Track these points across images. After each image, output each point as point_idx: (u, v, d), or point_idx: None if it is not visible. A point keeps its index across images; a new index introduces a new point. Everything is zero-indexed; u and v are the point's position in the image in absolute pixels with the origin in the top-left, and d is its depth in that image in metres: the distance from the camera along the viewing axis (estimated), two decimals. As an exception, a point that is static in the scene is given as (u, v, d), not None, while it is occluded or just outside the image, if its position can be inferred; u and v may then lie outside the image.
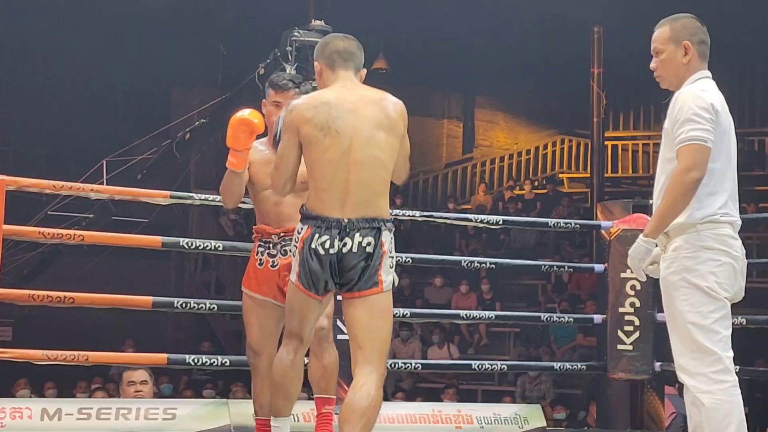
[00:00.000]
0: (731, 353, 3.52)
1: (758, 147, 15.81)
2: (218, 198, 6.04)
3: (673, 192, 3.51)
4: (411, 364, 6.47)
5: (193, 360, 5.64)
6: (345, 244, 3.45)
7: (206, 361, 5.60)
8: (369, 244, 3.44)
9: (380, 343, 3.51)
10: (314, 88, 7.83)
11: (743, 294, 3.68)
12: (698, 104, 3.53)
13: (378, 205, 3.50)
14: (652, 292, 5.74)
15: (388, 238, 3.48)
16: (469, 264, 6.43)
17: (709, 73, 3.73)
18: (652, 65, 3.75)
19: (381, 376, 3.49)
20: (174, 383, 11.11)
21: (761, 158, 15.67)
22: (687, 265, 3.53)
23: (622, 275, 6.49)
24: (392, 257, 3.49)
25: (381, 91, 3.66)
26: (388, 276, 3.48)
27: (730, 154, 3.67)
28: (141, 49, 13.25)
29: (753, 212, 12.80)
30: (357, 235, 3.45)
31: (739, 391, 3.51)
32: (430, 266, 12.50)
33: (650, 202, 6.56)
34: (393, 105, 3.61)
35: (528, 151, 17.75)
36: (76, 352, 5.29)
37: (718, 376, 3.47)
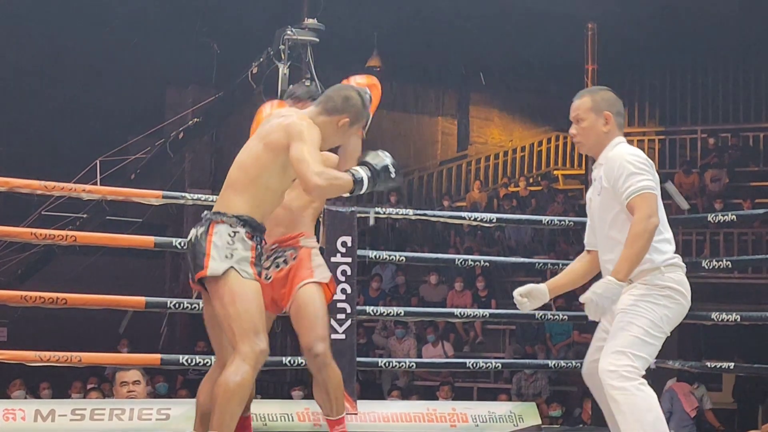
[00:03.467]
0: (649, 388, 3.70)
1: (753, 143, 15.81)
2: (212, 197, 6.05)
3: (644, 237, 3.70)
4: (405, 362, 6.47)
5: (187, 360, 5.63)
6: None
7: (200, 362, 5.58)
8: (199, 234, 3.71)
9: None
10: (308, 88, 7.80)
11: None
12: (637, 160, 3.80)
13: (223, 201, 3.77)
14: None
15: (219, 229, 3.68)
16: (463, 262, 6.42)
17: (624, 139, 3.96)
18: (572, 131, 3.96)
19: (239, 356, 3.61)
20: (170, 382, 11.09)
21: (756, 154, 15.67)
22: (649, 293, 3.76)
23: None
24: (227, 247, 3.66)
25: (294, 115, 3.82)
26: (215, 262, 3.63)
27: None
28: (134, 49, 13.21)
29: (748, 208, 12.80)
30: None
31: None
32: (425, 264, 12.49)
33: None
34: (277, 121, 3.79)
35: (523, 148, 17.74)
36: (68, 353, 5.27)
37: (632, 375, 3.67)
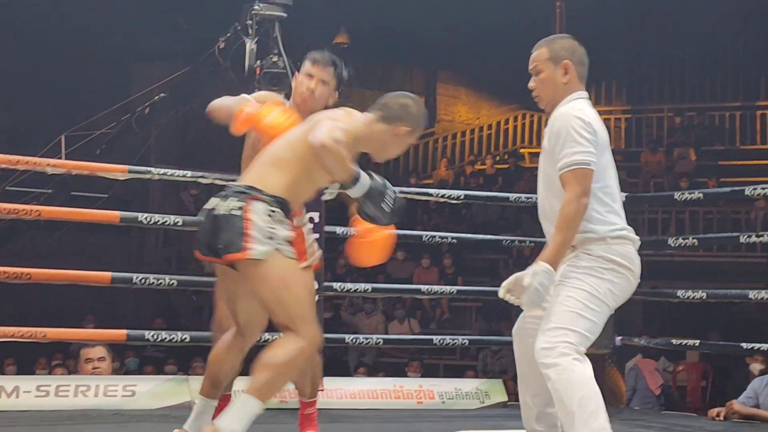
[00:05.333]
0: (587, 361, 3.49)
1: (719, 122, 15.89)
2: (178, 173, 6.01)
3: (574, 222, 3.48)
4: (373, 339, 6.46)
5: (153, 336, 5.60)
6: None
7: (166, 337, 5.56)
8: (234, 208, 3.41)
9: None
10: (273, 63, 7.77)
11: None
12: (577, 124, 3.50)
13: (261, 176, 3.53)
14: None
15: (256, 207, 3.41)
16: (430, 239, 6.42)
17: (586, 94, 3.69)
18: (531, 84, 3.72)
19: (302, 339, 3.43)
20: (140, 357, 11.06)
21: (721, 133, 15.76)
22: (591, 266, 3.54)
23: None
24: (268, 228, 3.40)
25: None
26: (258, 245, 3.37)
27: (614, 168, 3.67)
28: (101, 23, 13.09)
29: (714, 186, 12.88)
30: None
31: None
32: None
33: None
34: None
35: (490, 126, 17.75)
36: (33, 329, 5.24)
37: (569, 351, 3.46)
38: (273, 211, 3.41)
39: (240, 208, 3.37)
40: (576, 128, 3.49)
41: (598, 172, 3.52)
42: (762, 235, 6.34)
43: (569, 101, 3.62)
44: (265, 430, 3.58)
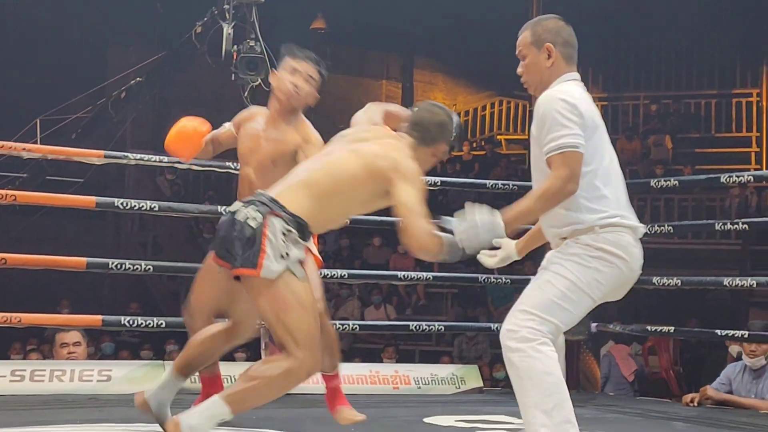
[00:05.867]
0: (552, 347, 3.32)
1: (694, 109, 15.95)
2: (154, 158, 6.00)
3: (551, 200, 3.34)
4: (349, 324, 6.47)
5: (129, 321, 5.59)
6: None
7: (142, 323, 5.55)
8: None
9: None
10: (250, 48, 7.75)
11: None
12: (561, 107, 3.34)
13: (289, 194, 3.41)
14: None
15: (273, 223, 3.29)
16: (407, 225, 6.41)
17: (576, 75, 3.55)
18: (519, 70, 3.59)
19: (297, 360, 3.29)
20: (116, 342, 11.04)
21: (697, 121, 15.82)
22: (577, 253, 3.36)
23: None
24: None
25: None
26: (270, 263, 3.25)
27: (610, 150, 3.51)
28: (77, 7, 13.01)
29: (689, 174, 12.94)
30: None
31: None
32: (368, 227, 12.50)
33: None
34: None
35: (466, 113, 17.76)
36: (8, 314, 5.22)
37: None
38: (289, 231, 3.29)
39: (257, 221, 3.27)
40: (560, 111, 3.34)
41: (587, 155, 3.36)
42: (736, 223, 6.38)
43: (557, 84, 3.49)
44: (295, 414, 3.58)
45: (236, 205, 3.36)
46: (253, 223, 3.26)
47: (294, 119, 4.26)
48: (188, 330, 4.12)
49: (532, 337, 3.28)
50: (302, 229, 3.33)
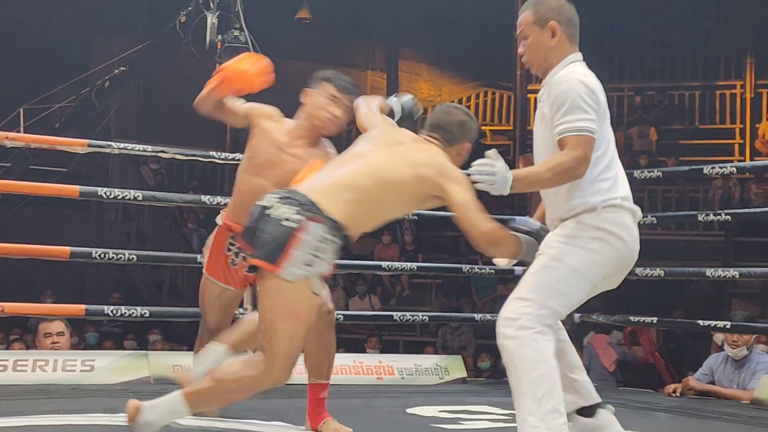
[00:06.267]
0: (548, 336, 3.28)
1: (678, 101, 15.99)
2: (138, 147, 5.98)
3: (563, 175, 3.30)
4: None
5: (112, 311, 5.58)
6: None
7: (125, 313, 5.54)
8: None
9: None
10: (235, 38, 7.70)
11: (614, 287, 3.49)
12: (582, 91, 3.31)
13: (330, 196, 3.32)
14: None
15: (313, 228, 3.19)
16: (391, 215, 6.41)
17: (580, 56, 3.49)
18: (520, 50, 3.52)
19: (267, 370, 3.26)
20: (99, 332, 11.02)
21: (681, 112, 15.85)
22: (576, 235, 3.32)
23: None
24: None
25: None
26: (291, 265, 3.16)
27: (612, 136, 3.50)
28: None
29: (673, 165, 12.97)
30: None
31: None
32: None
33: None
34: None
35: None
36: (-9, 303, 5.19)
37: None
38: (327, 238, 3.19)
39: (295, 222, 3.15)
40: (581, 94, 3.30)
41: (597, 140, 3.34)
42: (719, 214, 6.40)
43: (566, 65, 3.43)
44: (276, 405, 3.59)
45: (270, 200, 3.23)
46: (287, 224, 3.14)
47: (320, 141, 4.16)
48: (202, 340, 4.19)
49: (529, 325, 3.23)
50: (341, 235, 3.24)
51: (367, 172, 3.34)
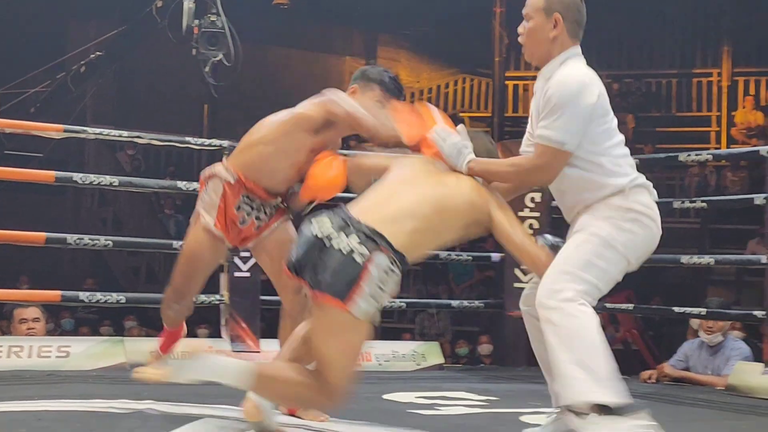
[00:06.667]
0: (591, 309, 3.25)
1: (656, 89, 16.03)
2: (114, 132, 5.95)
3: (519, 175, 3.40)
4: (310, 301, 6.46)
5: (88, 297, 5.56)
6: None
7: (101, 299, 5.52)
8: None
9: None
10: (211, 23, 7.64)
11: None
12: (573, 96, 3.31)
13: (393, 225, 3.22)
14: (549, 232, 5.79)
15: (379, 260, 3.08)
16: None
17: (579, 50, 3.46)
18: (519, 29, 3.47)
19: (327, 392, 3.19)
20: (75, 318, 10.99)
21: (658, 100, 15.90)
22: (611, 215, 3.32)
23: (520, 213, 6.57)
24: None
25: None
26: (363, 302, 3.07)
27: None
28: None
29: (650, 152, 13.01)
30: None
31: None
32: (330, 203, 12.47)
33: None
34: None
35: (430, 90, 17.75)
36: (-35, 289, 5.17)
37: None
38: (392, 270, 3.07)
39: (363, 255, 3.01)
40: (570, 102, 3.31)
41: (610, 129, 3.41)
42: (695, 201, 6.43)
43: (563, 60, 3.41)
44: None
45: (325, 227, 3.09)
46: (358, 259, 3.01)
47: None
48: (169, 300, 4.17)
49: (572, 296, 3.19)
50: (404, 265, 3.11)
51: (425, 199, 3.26)
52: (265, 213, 4.07)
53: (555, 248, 3.42)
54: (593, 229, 3.30)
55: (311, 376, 3.17)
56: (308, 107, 3.98)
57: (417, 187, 3.30)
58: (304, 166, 3.97)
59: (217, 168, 4.06)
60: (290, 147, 3.96)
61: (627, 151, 3.47)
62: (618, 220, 3.31)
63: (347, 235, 3.04)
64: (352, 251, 3.02)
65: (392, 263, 3.06)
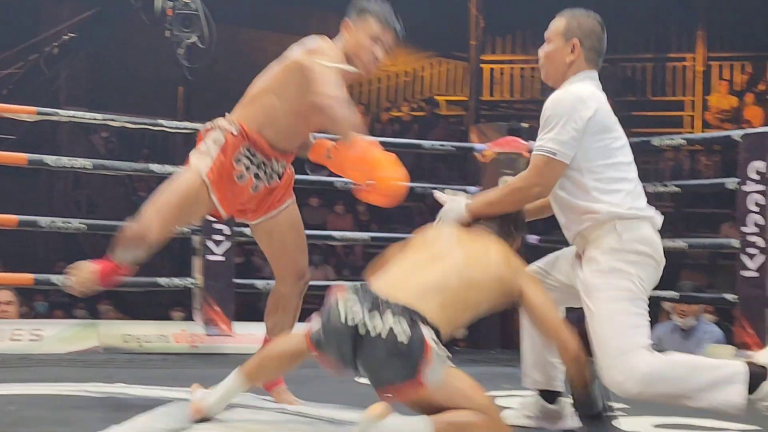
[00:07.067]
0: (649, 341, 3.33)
1: (631, 73, 16.08)
2: (88, 115, 5.91)
3: (514, 195, 3.41)
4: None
5: (61, 280, 5.52)
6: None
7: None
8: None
9: None
10: (185, 5, 7.57)
11: None
12: (567, 107, 3.34)
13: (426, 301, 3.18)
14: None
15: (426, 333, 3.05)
16: (344, 185, 6.40)
17: (594, 74, 3.51)
18: (540, 52, 3.54)
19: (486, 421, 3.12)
20: (49, 302, 10.94)
21: (633, 84, 15.95)
22: (614, 267, 3.30)
23: None
24: None
25: None
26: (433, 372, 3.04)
27: (627, 149, 3.53)
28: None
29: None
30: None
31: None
32: (305, 187, 12.45)
33: (523, 125, 6.63)
34: None
35: (406, 73, 17.74)
36: (-63, 272, 5.13)
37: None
38: (436, 342, 3.03)
39: (407, 334, 2.95)
40: (563, 113, 3.33)
41: (609, 148, 3.41)
42: (668, 185, 6.45)
43: (572, 82, 3.45)
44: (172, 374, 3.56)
45: (355, 314, 3.07)
46: (404, 339, 2.95)
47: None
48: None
49: (646, 366, 3.24)
50: (439, 339, 3.05)
51: (452, 273, 3.20)
52: (265, 173, 3.84)
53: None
54: (612, 294, 3.29)
55: (473, 411, 3.08)
56: (300, 56, 3.96)
57: (444, 259, 3.25)
58: (307, 119, 3.83)
59: (219, 120, 3.84)
60: (289, 93, 3.84)
61: (628, 176, 3.43)
62: (623, 267, 3.30)
63: (385, 317, 2.99)
64: (409, 336, 2.96)
65: (434, 336, 3.02)
